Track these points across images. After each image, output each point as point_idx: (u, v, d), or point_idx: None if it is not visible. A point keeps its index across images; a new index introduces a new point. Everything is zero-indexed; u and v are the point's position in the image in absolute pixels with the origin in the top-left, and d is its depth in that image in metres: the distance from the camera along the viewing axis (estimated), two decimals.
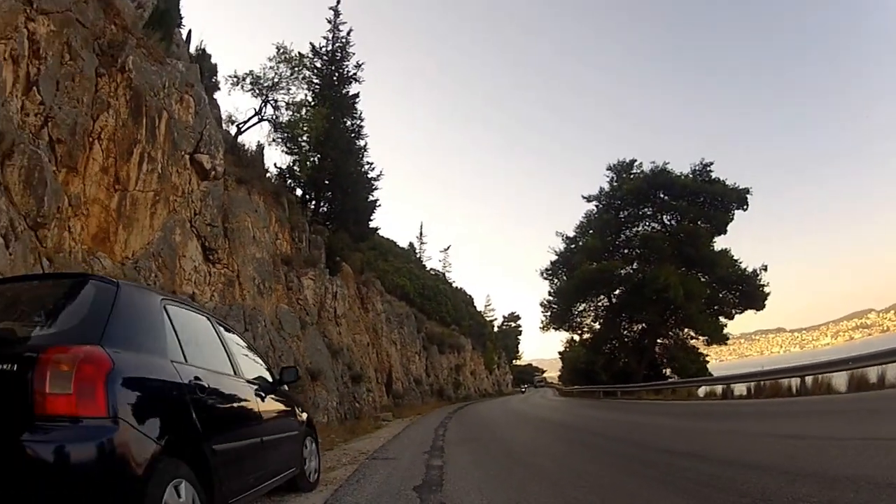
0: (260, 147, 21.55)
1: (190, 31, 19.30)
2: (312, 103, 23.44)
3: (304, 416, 6.40)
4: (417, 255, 63.96)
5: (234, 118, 20.65)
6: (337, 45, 28.79)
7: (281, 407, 5.52)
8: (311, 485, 6.05)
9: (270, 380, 5.49)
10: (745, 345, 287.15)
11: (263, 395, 4.93)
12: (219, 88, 20.57)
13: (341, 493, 5.90)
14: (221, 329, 4.89)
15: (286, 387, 5.94)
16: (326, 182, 25.65)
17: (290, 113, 21.33)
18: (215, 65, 21.13)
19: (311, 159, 23.77)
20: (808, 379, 14.98)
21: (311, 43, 29.16)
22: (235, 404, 4.27)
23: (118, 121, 10.18)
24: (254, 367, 5.28)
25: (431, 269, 65.15)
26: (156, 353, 3.23)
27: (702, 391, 21.97)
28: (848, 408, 10.40)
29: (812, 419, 9.60)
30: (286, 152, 23.16)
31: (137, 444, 2.70)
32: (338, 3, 29.31)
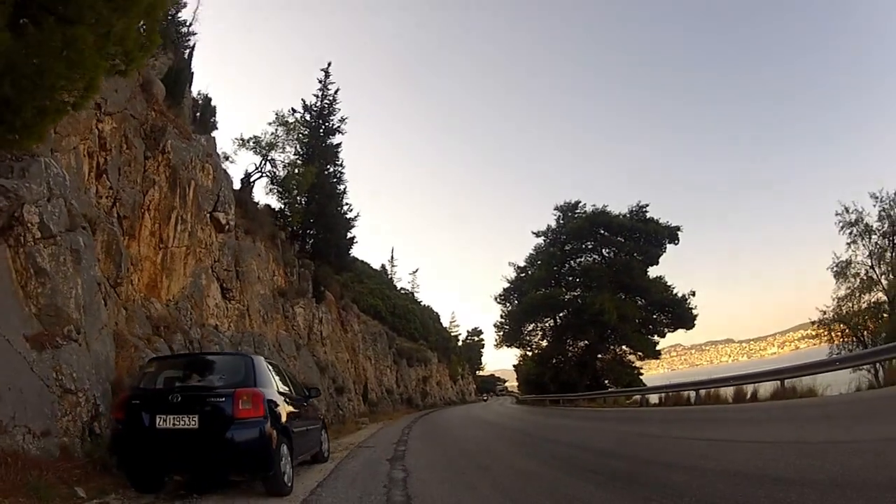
0: (259, 203, 25.78)
1: (192, 74, 20.98)
2: (302, 163, 27.74)
3: (321, 416, 10.80)
4: (389, 277, 68.14)
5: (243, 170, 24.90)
6: (325, 101, 33.20)
7: (311, 410, 9.86)
8: (325, 459, 10.28)
9: (305, 394, 9.80)
10: (696, 355, 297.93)
11: (304, 403, 9.25)
12: (217, 128, 23.46)
13: (343, 463, 10.17)
14: (281, 369, 9.19)
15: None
16: (311, 221, 29.85)
17: (286, 170, 25.77)
18: (214, 107, 23.25)
19: (300, 203, 27.94)
20: (703, 392, 18.67)
21: (302, 99, 33.67)
22: (295, 409, 8.42)
23: (161, 193, 13.00)
24: (297, 387, 9.60)
25: (402, 288, 69.45)
26: (269, 386, 7.28)
27: (633, 399, 26.06)
28: (733, 416, 12.80)
29: (708, 424, 11.77)
30: (280, 200, 27.41)
31: (272, 428, 6.66)
32: (328, 65, 33.89)
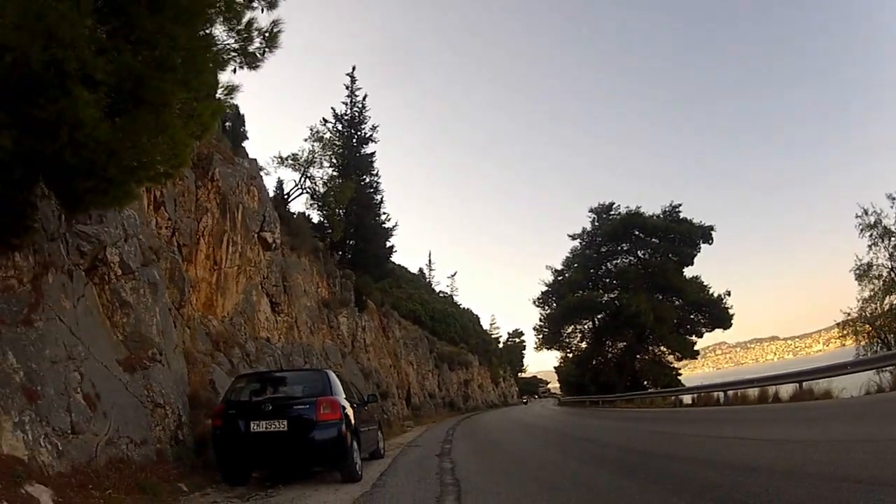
0: (303, 215, 27.17)
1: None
2: (339, 176, 29.00)
3: (377, 419, 11.87)
4: (427, 281, 69.34)
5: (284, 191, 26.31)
6: (355, 109, 34.16)
7: (370, 414, 10.99)
8: (382, 455, 11.45)
9: (364, 399, 10.88)
10: (741, 353, 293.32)
11: (365, 408, 10.37)
12: (247, 137, 24.54)
13: (397, 458, 11.30)
14: (345, 380, 10.30)
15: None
16: (351, 231, 31.06)
17: (325, 186, 27.06)
18: (243, 115, 24.67)
19: (340, 217, 29.11)
20: (731, 393, 19.40)
21: (332, 108, 34.46)
22: (358, 412, 9.60)
23: (213, 219, 13.88)
24: (357, 394, 10.67)
25: (441, 292, 70.58)
26: (341, 395, 8.61)
27: (669, 399, 26.64)
28: (758, 416, 13.46)
29: (728, 424, 12.38)
30: (320, 214, 28.69)
31: (346, 429, 8.02)
32: (353, 69, 34.90)
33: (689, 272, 37.90)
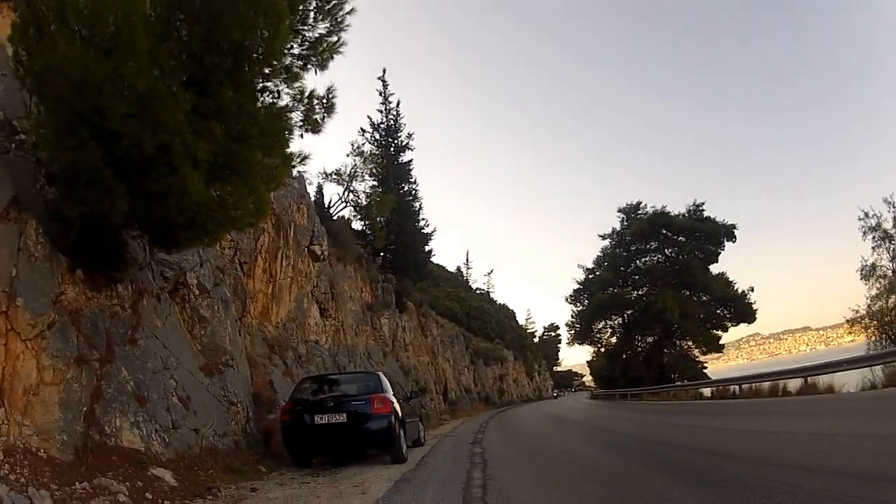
0: (348, 222, 29.25)
1: None
2: (380, 187, 31.10)
3: (419, 412, 13.96)
4: (465, 279, 71.35)
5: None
6: (390, 117, 35.87)
7: (412, 408, 13.09)
8: (422, 443, 13.44)
9: (408, 395, 12.97)
10: (775, 344, 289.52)
11: (409, 402, 12.45)
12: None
13: (436, 445, 13.30)
14: (393, 380, 12.38)
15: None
16: (392, 238, 33.11)
17: (368, 199, 29.23)
18: None
19: (381, 225, 31.15)
20: (745, 386, 20.64)
21: (368, 116, 36.22)
22: (403, 407, 11.59)
23: (269, 238, 15.33)
24: (403, 392, 12.78)
25: (478, 289, 72.56)
26: (390, 392, 10.63)
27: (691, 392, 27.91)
28: (774, 409, 14.08)
29: (737, 417, 13.38)
30: (363, 224, 30.82)
31: (395, 420, 9.98)
32: (384, 73, 36.31)
33: (717, 267, 39.15)
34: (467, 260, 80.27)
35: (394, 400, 10.13)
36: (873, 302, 21.87)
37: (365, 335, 24.72)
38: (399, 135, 36.15)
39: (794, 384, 17.73)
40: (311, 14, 7.41)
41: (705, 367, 38.08)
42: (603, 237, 42.15)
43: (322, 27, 7.54)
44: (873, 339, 21.64)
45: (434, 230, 36.41)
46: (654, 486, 5.48)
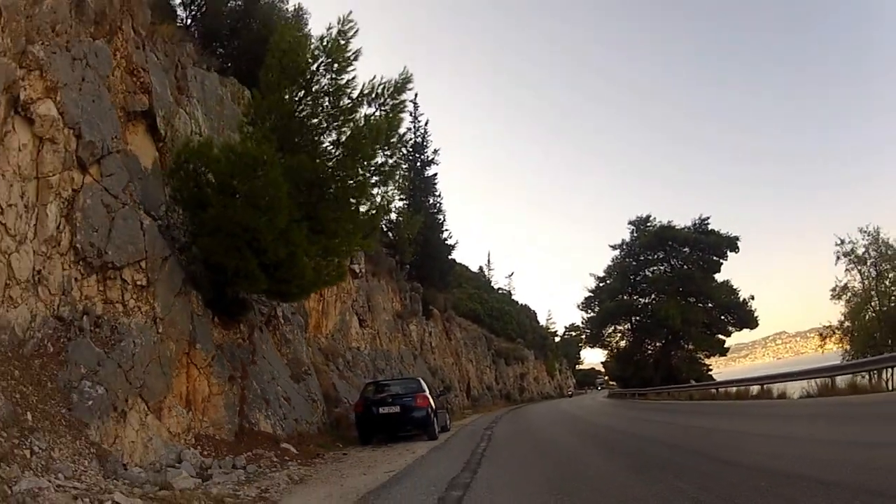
0: (380, 239, 32.60)
1: None
2: (408, 208, 34.44)
3: (446, 406, 17.76)
4: (486, 279, 74.42)
5: None
6: (418, 134, 38.63)
7: (441, 402, 17.10)
8: (448, 429, 17.32)
9: (438, 392, 16.80)
10: (801, 343, 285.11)
11: (438, 398, 16.42)
12: None
13: (459, 431, 17.23)
14: (428, 382, 16.27)
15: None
16: (418, 249, 36.38)
17: (398, 216, 32.60)
18: None
19: (409, 239, 34.36)
20: (746, 389, 22.87)
21: (398, 133, 39.08)
22: (435, 401, 15.51)
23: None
24: (435, 390, 16.57)
25: (499, 289, 75.47)
26: (426, 392, 14.72)
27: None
28: (761, 412, 15.21)
29: (732, 418, 14.91)
30: (392, 236, 34.14)
31: (431, 411, 14.22)
32: (416, 96, 39.37)
33: (725, 273, 42.44)
34: (489, 261, 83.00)
35: (430, 397, 14.13)
36: (845, 318, 24.88)
37: (397, 341, 28.05)
38: (426, 150, 39.00)
39: (778, 387, 19.37)
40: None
41: (710, 369, 41.25)
42: (613, 247, 45.64)
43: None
44: (846, 348, 24.83)
45: (457, 242, 39.79)
46: (593, 461, 8.28)
